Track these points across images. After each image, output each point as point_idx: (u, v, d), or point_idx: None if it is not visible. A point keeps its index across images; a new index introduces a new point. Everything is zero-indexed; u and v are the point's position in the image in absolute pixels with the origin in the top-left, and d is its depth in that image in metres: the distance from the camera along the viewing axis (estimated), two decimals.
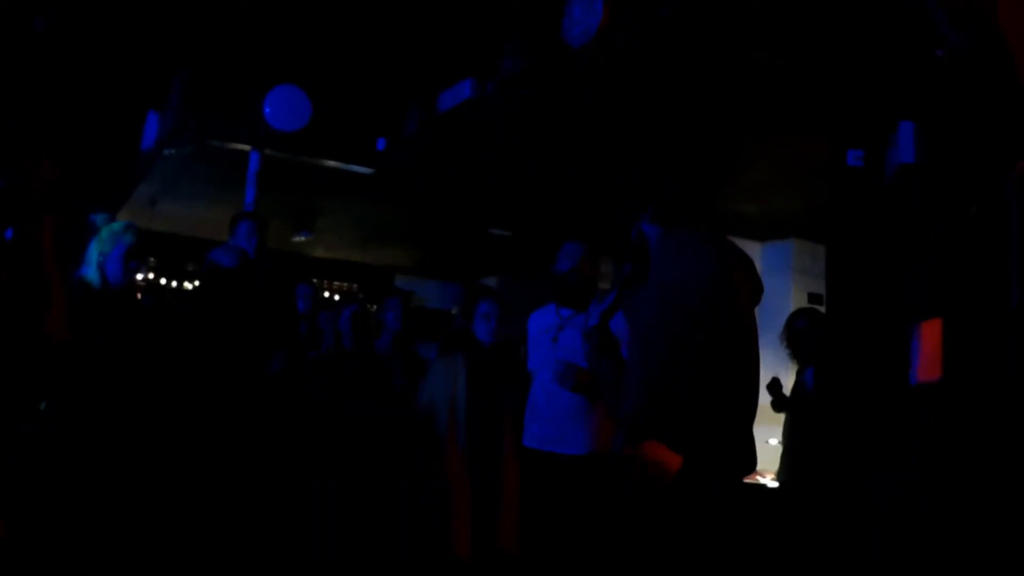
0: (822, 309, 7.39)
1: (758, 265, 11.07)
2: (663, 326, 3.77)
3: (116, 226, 5.34)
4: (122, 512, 4.92)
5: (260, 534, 5.37)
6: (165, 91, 9.19)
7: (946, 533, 4.61)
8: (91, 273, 5.22)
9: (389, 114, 8.94)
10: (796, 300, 10.19)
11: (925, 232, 4.94)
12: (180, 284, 13.16)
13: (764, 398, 7.44)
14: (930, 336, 4.79)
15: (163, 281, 13.13)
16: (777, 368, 7.81)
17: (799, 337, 7.01)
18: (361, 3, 7.70)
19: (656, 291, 3.90)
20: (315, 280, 13.16)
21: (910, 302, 4.97)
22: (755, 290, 4.07)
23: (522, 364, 6.03)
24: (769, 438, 9.90)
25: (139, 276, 12.00)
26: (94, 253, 5.24)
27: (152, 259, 12.85)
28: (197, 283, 12.22)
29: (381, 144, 9.06)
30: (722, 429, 3.83)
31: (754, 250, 11.18)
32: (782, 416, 7.35)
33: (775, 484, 8.77)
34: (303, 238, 12.46)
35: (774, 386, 7.24)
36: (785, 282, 10.76)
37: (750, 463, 4.05)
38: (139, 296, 7.28)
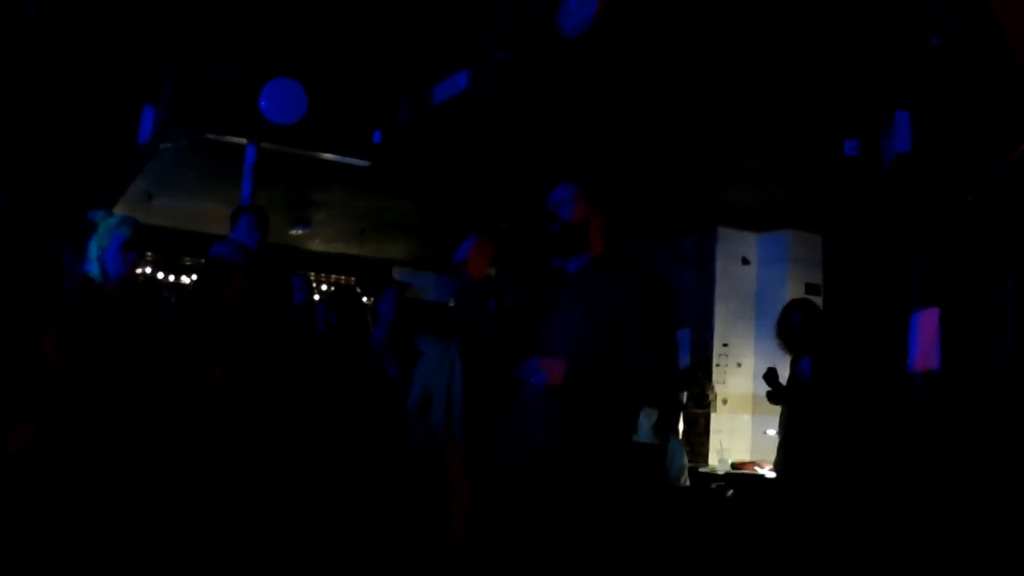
0: (819, 299, 7.39)
1: (754, 256, 11.08)
2: None
3: (112, 220, 5.35)
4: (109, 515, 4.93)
5: (263, 537, 5.37)
6: (161, 85, 9.18)
7: (944, 522, 4.61)
8: (93, 269, 5.24)
9: (385, 106, 8.93)
10: (793, 290, 10.21)
11: (921, 221, 4.95)
12: (178, 278, 13.15)
13: (761, 387, 7.48)
14: (927, 325, 4.79)
15: (160, 275, 13.12)
16: (774, 358, 7.82)
17: (793, 329, 7.01)
18: None
19: None
20: (312, 274, 13.17)
21: (907, 291, 4.98)
22: None
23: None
24: (767, 428, 9.93)
25: (138, 270, 12.03)
26: (94, 249, 5.25)
27: (149, 253, 12.84)
28: (196, 277, 12.21)
29: (377, 137, 9.05)
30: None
31: (750, 241, 11.20)
32: (778, 407, 7.37)
33: (773, 474, 8.79)
34: (300, 231, 12.46)
35: (770, 376, 7.24)
36: (782, 272, 10.78)
37: None
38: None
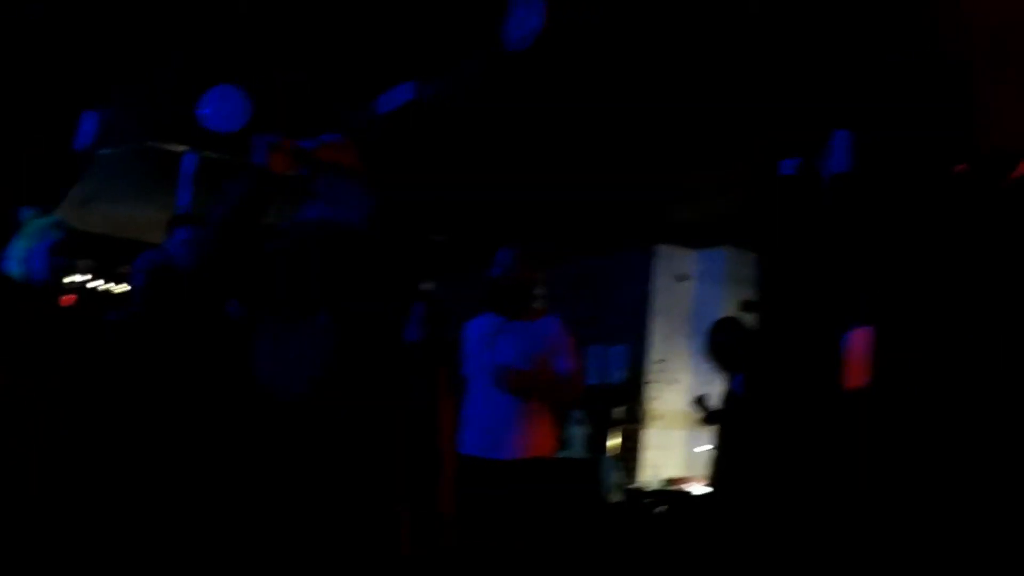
0: (754, 317, 7.45)
1: (690, 272, 11.16)
2: None
3: (43, 221, 5.22)
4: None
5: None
6: (101, 90, 9.09)
7: (874, 537, 4.67)
8: (13, 267, 5.09)
9: (329, 116, 8.90)
10: (729, 308, 10.27)
11: (856, 241, 5.01)
12: (114, 286, 12.99)
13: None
14: (860, 344, 4.85)
15: (96, 283, 12.95)
16: (710, 375, 7.88)
17: (721, 347, 7.08)
18: (300, 3, 7.66)
19: None
20: None
21: (841, 310, 5.03)
22: None
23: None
24: (700, 445, 9.99)
25: (75, 278, 11.87)
26: (19, 248, 5.11)
27: (85, 261, 12.67)
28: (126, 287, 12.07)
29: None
30: None
31: (688, 258, 11.27)
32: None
33: (706, 491, 8.84)
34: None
35: (700, 402, 7.32)
36: (719, 290, 10.85)
37: None
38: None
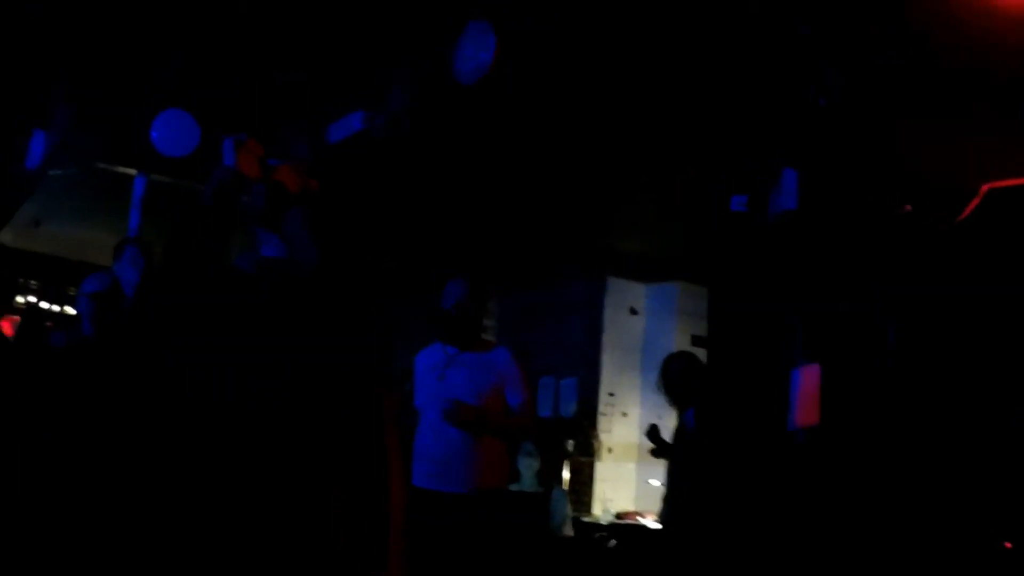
0: (704, 352, 7.45)
1: (642, 306, 11.18)
2: None
3: None
4: None
5: None
6: (51, 110, 9.02)
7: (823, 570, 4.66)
8: None
9: (279, 142, 8.85)
10: (679, 342, 10.28)
11: (804, 278, 5.01)
12: (62, 308, 12.86)
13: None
14: (808, 381, 4.85)
15: (44, 305, 12.83)
16: (660, 408, 7.86)
17: (672, 381, 7.07)
18: (251, 30, 7.63)
19: None
20: None
21: (790, 347, 5.03)
22: None
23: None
24: (651, 478, 9.97)
25: (20, 299, 11.76)
26: None
27: (33, 282, 12.56)
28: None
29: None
30: None
31: (639, 291, 11.28)
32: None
33: (656, 525, 8.81)
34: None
35: (652, 433, 7.29)
36: (669, 324, 10.86)
37: None
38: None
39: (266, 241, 3.75)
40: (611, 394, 11.05)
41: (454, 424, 5.48)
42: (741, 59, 5.28)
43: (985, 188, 4.96)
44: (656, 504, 8.23)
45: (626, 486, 11.01)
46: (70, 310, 12.80)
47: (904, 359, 4.54)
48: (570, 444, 10.86)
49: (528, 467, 9.39)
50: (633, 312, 11.19)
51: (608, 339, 11.05)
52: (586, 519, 10.27)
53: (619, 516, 10.24)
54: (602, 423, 11.01)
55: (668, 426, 7.34)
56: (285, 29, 7.37)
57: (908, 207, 4.48)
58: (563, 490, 10.00)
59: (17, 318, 11.27)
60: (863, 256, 4.72)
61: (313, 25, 7.17)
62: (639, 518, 10.11)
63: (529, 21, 6.00)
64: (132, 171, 8.80)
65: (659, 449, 7.29)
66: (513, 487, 8.43)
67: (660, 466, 7.58)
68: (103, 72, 8.44)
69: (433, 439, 5.57)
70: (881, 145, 4.60)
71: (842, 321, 4.83)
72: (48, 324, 12.09)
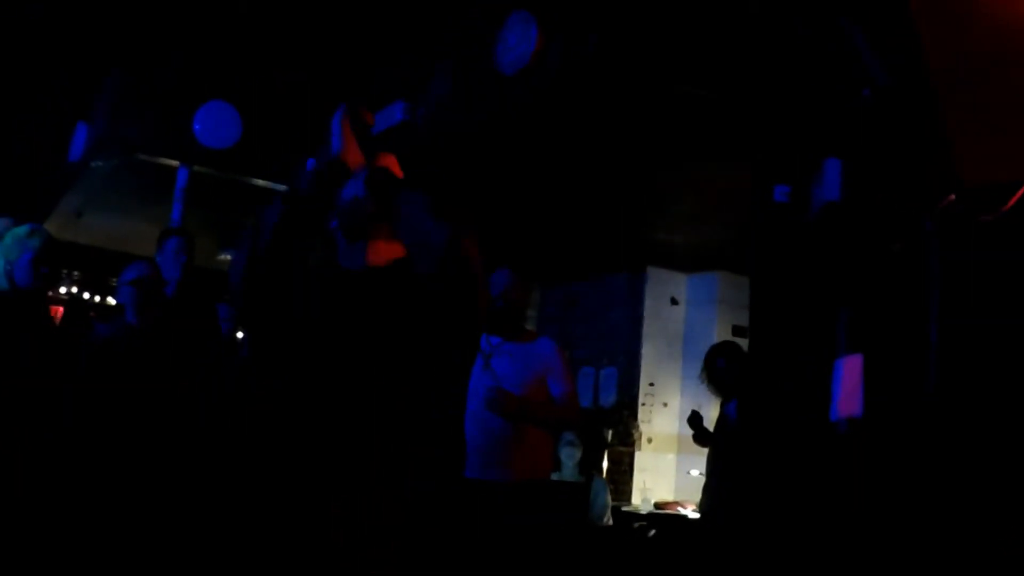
0: (746, 341, 7.45)
1: (683, 296, 11.17)
2: None
3: (20, 230, 5.18)
4: None
5: None
6: (94, 103, 9.09)
7: (864, 565, 4.65)
8: (1, 281, 5.10)
9: (320, 134, 8.88)
10: (720, 332, 10.28)
11: (847, 269, 4.99)
12: (104, 299, 12.94)
13: (686, 427, 7.51)
14: (851, 372, 4.82)
15: (87, 295, 12.92)
16: (700, 399, 7.86)
17: (717, 372, 7.06)
18: (293, 21, 7.65)
19: None
20: None
21: (832, 337, 5.01)
22: None
23: None
24: (691, 468, 9.97)
25: (63, 290, 11.84)
26: (0, 261, 5.10)
27: (76, 272, 12.64)
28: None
29: (311, 164, 9.00)
30: None
31: (679, 281, 11.26)
32: (704, 447, 7.39)
33: (696, 515, 8.80)
34: (229, 256, 12.34)
35: (694, 419, 7.27)
36: (710, 314, 10.84)
37: None
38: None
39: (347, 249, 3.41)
40: (651, 384, 11.05)
41: (497, 413, 5.48)
42: (783, 48, 5.26)
43: None
44: (696, 494, 8.22)
45: (666, 476, 11.01)
46: (111, 300, 12.90)
47: (948, 352, 4.51)
48: (609, 434, 10.87)
49: (570, 456, 9.40)
50: (674, 302, 11.18)
51: (648, 329, 11.05)
52: (626, 508, 10.27)
53: (658, 506, 10.24)
54: (642, 413, 11.02)
55: (709, 416, 7.34)
56: (326, 21, 7.39)
57: (952, 197, 4.44)
58: (603, 479, 10.01)
59: (60, 308, 11.34)
60: (905, 247, 4.70)
61: (355, 16, 7.19)
62: (679, 508, 10.11)
63: (571, 11, 6.00)
64: (174, 163, 8.85)
65: (700, 436, 7.27)
66: (554, 476, 8.44)
67: (700, 456, 7.58)
68: (146, 64, 8.49)
69: (476, 428, 5.57)
70: (925, 134, 4.56)
71: (885, 312, 4.81)
72: (91, 314, 12.18)
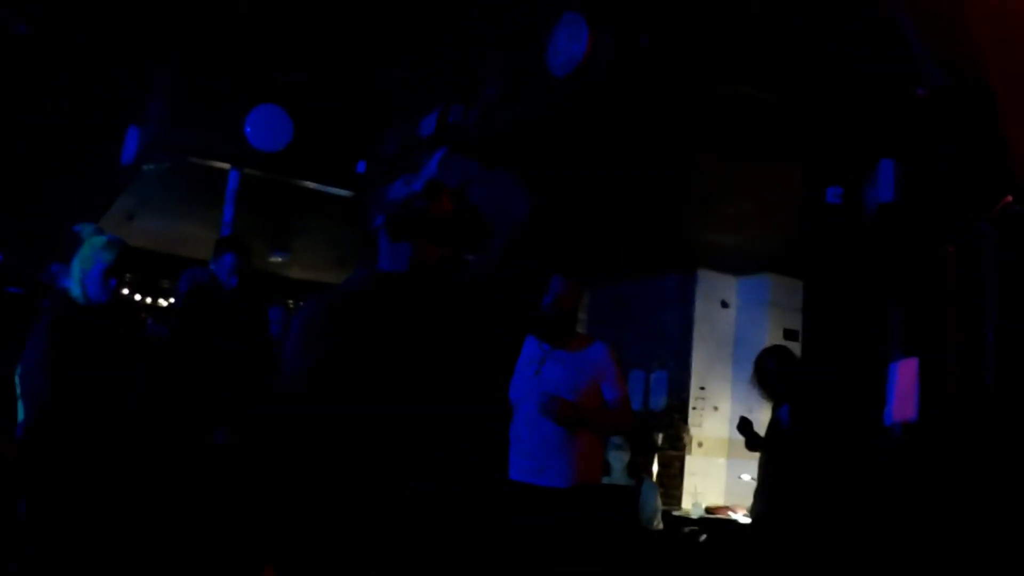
0: (797, 345, 7.40)
1: (733, 299, 11.10)
2: None
3: (97, 241, 5.26)
4: None
5: None
6: (147, 106, 9.17)
7: (917, 571, 4.60)
8: (74, 288, 5.17)
9: (370, 137, 8.92)
10: (771, 335, 10.21)
11: (902, 271, 4.94)
12: (155, 301, 13.06)
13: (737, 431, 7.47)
14: (906, 375, 4.78)
15: (138, 297, 13.04)
16: (751, 402, 7.81)
17: (767, 376, 7.01)
18: (344, 26, 7.68)
19: None
20: (291, 302, 13.11)
21: (886, 341, 4.97)
22: None
23: None
24: (742, 473, 9.91)
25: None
26: (76, 268, 5.18)
27: (128, 275, 12.74)
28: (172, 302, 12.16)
29: (361, 167, 9.04)
30: None
31: (730, 284, 11.21)
32: (755, 452, 7.34)
33: (747, 520, 8.75)
34: (279, 259, 12.41)
35: (744, 426, 7.23)
36: (761, 317, 10.78)
37: None
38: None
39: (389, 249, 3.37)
40: (702, 388, 11.01)
41: (551, 419, 5.47)
42: (836, 48, 5.21)
43: None
44: (747, 499, 8.17)
45: (716, 480, 10.97)
46: (163, 302, 13.01)
47: (1005, 355, 4.45)
48: (659, 437, 10.84)
49: (618, 460, 9.38)
50: (724, 305, 11.13)
51: (699, 332, 11.01)
52: (676, 513, 10.23)
53: (709, 510, 10.18)
54: (693, 417, 10.98)
55: (760, 420, 7.29)
56: (376, 26, 7.41)
57: (1008, 198, 4.38)
58: (653, 483, 9.98)
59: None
60: (961, 248, 4.64)
61: (406, 21, 7.20)
62: (730, 513, 10.06)
63: (622, 12, 5.97)
64: (226, 165, 8.91)
65: (751, 442, 7.23)
66: (603, 480, 8.43)
67: (751, 461, 7.52)
68: (198, 68, 8.55)
69: (529, 433, 5.56)
70: (981, 134, 4.51)
71: (940, 315, 4.76)
72: (143, 315, 12.28)
